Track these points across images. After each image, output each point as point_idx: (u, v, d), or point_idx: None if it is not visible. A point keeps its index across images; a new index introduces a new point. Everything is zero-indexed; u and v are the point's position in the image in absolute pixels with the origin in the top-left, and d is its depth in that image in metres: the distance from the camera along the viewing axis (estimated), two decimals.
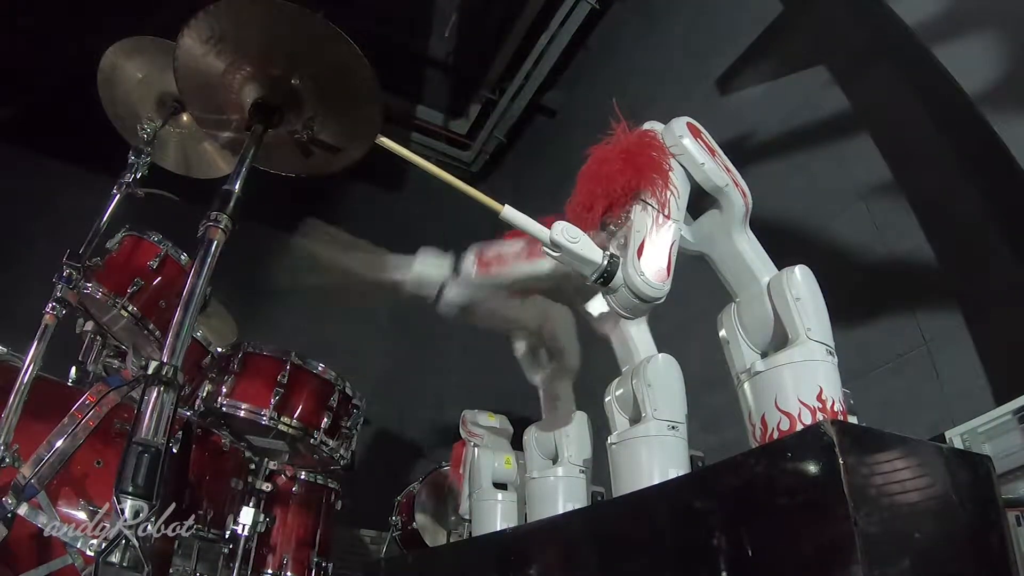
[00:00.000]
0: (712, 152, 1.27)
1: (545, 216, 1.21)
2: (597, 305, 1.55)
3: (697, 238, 1.32)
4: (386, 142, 1.35)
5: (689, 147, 1.25)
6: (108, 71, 2.08)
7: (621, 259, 1.16)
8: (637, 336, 1.47)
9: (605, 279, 1.16)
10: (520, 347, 1.93)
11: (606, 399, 1.44)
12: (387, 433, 3.94)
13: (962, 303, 1.89)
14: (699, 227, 1.33)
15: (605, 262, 1.16)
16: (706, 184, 1.25)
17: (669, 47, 3.57)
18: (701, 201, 1.30)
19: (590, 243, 1.16)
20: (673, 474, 1.22)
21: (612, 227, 1.25)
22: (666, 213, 1.19)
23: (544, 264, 1.38)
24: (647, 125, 1.32)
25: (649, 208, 1.20)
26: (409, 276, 1.75)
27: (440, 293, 1.84)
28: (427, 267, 1.75)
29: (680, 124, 1.27)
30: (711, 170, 1.25)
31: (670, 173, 1.23)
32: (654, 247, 1.16)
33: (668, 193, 1.21)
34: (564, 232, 1.14)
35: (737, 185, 1.27)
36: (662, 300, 1.16)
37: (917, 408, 1.89)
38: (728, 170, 1.27)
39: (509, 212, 1.21)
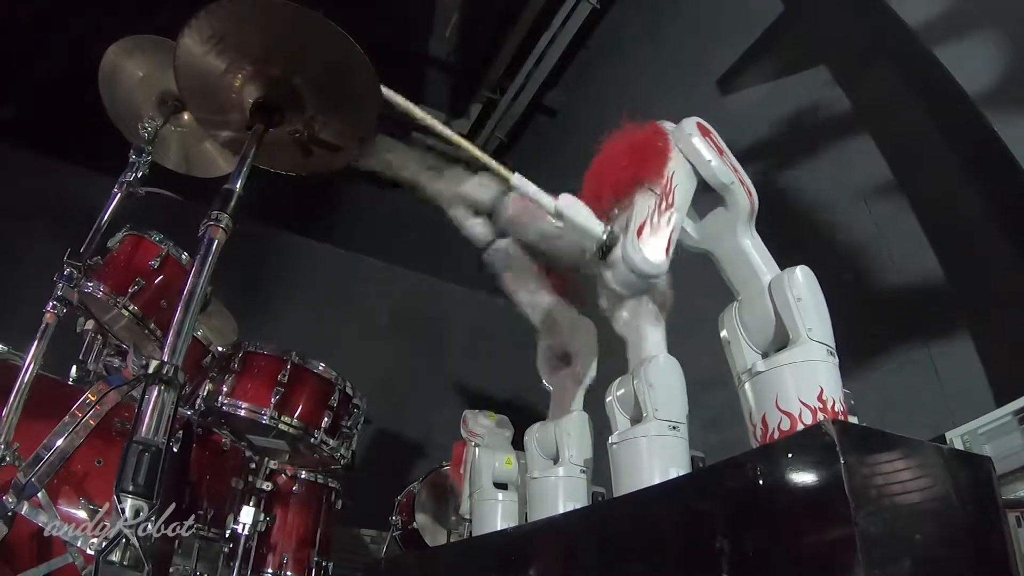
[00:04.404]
0: (720, 151, 1.29)
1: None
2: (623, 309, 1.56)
3: (702, 236, 1.33)
4: (391, 95, 1.35)
5: (698, 145, 1.26)
6: (109, 70, 2.08)
7: (621, 236, 1.18)
8: (652, 338, 1.46)
9: (604, 252, 1.19)
10: (543, 351, 1.95)
11: (607, 399, 1.44)
12: (387, 433, 3.94)
13: (963, 304, 1.89)
14: (705, 225, 1.33)
15: (605, 236, 1.20)
16: (712, 181, 1.26)
17: (670, 47, 3.57)
18: (708, 200, 1.31)
19: (592, 216, 1.21)
20: (674, 474, 1.22)
21: (616, 211, 1.27)
22: (669, 201, 1.21)
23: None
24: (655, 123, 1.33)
25: (652, 195, 1.22)
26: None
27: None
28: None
29: (690, 123, 1.30)
30: (718, 168, 1.25)
31: (675, 163, 1.25)
32: (653, 228, 1.19)
33: (672, 183, 1.22)
34: (568, 203, 1.20)
35: (743, 184, 1.27)
36: (658, 279, 1.19)
37: (918, 409, 1.89)
38: (735, 169, 1.28)
39: (519, 180, 1.26)
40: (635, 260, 1.16)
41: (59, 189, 3.40)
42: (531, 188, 1.26)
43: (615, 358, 1.57)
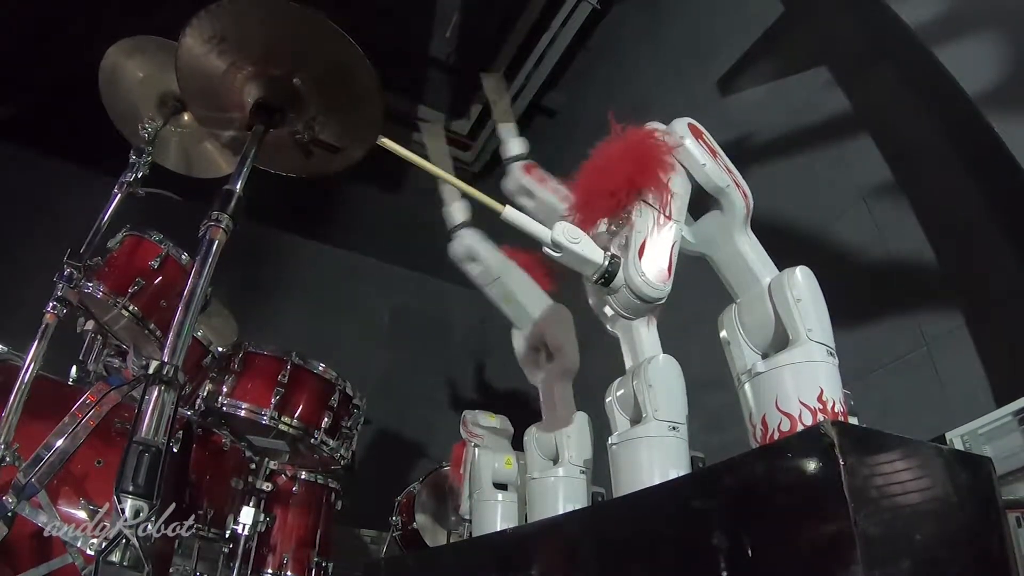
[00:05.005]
0: (713, 153, 1.27)
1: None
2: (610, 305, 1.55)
3: (698, 239, 1.32)
4: (388, 143, 1.35)
5: (690, 148, 1.24)
6: (109, 70, 2.08)
7: (622, 260, 1.17)
8: (647, 338, 1.46)
9: (606, 280, 1.16)
10: (520, 347, 1.94)
11: (607, 400, 1.44)
12: (387, 433, 3.94)
13: (963, 304, 1.89)
14: (700, 228, 1.33)
15: (606, 263, 1.16)
16: (707, 185, 1.25)
17: (670, 48, 3.57)
18: (702, 202, 1.30)
19: (591, 243, 1.17)
20: (673, 475, 1.22)
21: (613, 227, 1.25)
22: (667, 213, 1.19)
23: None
24: (648, 126, 1.32)
25: (650, 208, 1.20)
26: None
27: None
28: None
29: (681, 125, 1.27)
30: (712, 171, 1.24)
31: (671, 173, 1.23)
32: (655, 248, 1.16)
33: (669, 193, 1.21)
34: (565, 233, 1.14)
35: (738, 186, 1.27)
36: (663, 301, 1.16)
37: (917, 409, 1.89)
38: (729, 171, 1.27)
39: (510, 213, 1.21)
40: (638, 283, 1.14)
41: (59, 189, 3.40)
42: (524, 220, 1.20)
43: (596, 348, 1.56)
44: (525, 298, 1.86)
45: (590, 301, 1.51)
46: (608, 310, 1.49)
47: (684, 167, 1.25)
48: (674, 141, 1.25)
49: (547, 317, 1.84)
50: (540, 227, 1.18)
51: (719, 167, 1.26)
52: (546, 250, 1.18)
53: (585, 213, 1.26)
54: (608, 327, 1.50)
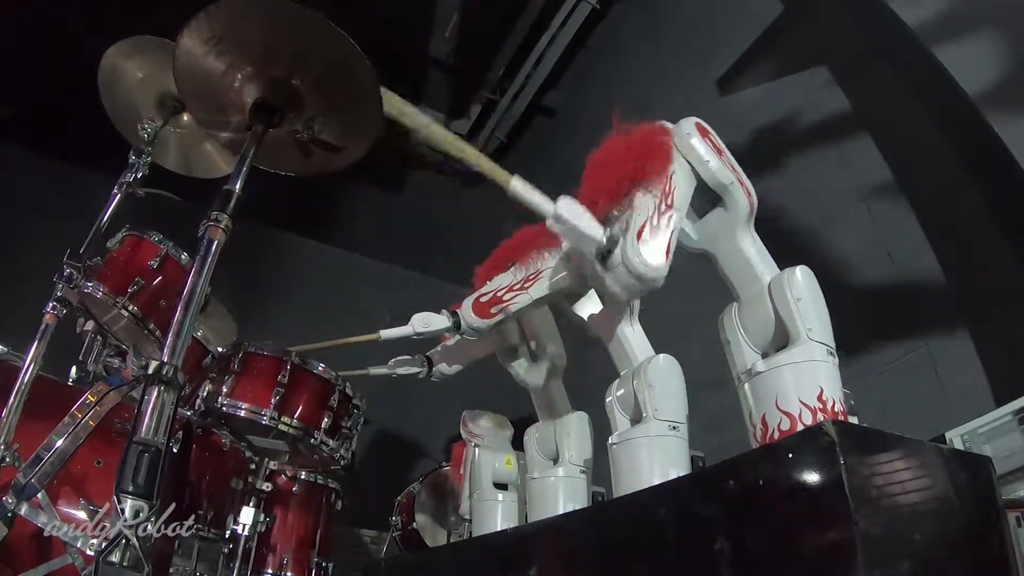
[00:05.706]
0: (719, 151, 1.28)
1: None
2: (587, 308, 1.56)
3: (701, 236, 1.33)
4: (394, 102, 1.34)
5: (696, 145, 1.26)
6: (109, 71, 2.08)
7: (621, 239, 1.18)
8: (632, 337, 1.46)
9: (604, 256, 1.17)
10: (507, 357, 1.95)
11: (607, 399, 1.44)
12: (387, 433, 3.94)
13: (962, 304, 1.89)
14: (704, 226, 1.33)
15: (605, 239, 1.18)
16: (711, 182, 1.26)
17: (670, 48, 3.57)
18: (707, 200, 1.31)
19: (592, 219, 1.19)
20: (674, 474, 1.22)
21: (616, 212, 1.26)
22: (668, 202, 1.20)
23: (562, 277, 1.40)
24: (655, 123, 1.33)
25: (651, 195, 1.21)
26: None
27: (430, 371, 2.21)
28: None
29: (689, 123, 1.30)
30: (716, 168, 1.25)
31: (674, 164, 1.25)
32: (653, 231, 1.18)
33: (671, 184, 1.22)
34: (567, 207, 1.17)
35: (742, 184, 1.27)
36: (659, 282, 1.17)
37: (917, 409, 1.89)
38: (733, 169, 1.28)
39: (517, 184, 1.23)
40: (635, 263, 1.14)
41: (59, 189, 3.40)
42: (529, 193, 1.23)
43: (596, 348, 1.56)
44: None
45: (563, 307, 1.52)
46: (584, 314, 1.49)
47: (689, 163, 1.26)
48: (680, 140, 1.27)
49: (529, 320, 1.86)
50: (544, 201, 1.20)
51: (723, 165, 1.26)
52: (548, 224, 1.20)
53: (591, 206, 1.27)
54: (586, 330, 1.51)
